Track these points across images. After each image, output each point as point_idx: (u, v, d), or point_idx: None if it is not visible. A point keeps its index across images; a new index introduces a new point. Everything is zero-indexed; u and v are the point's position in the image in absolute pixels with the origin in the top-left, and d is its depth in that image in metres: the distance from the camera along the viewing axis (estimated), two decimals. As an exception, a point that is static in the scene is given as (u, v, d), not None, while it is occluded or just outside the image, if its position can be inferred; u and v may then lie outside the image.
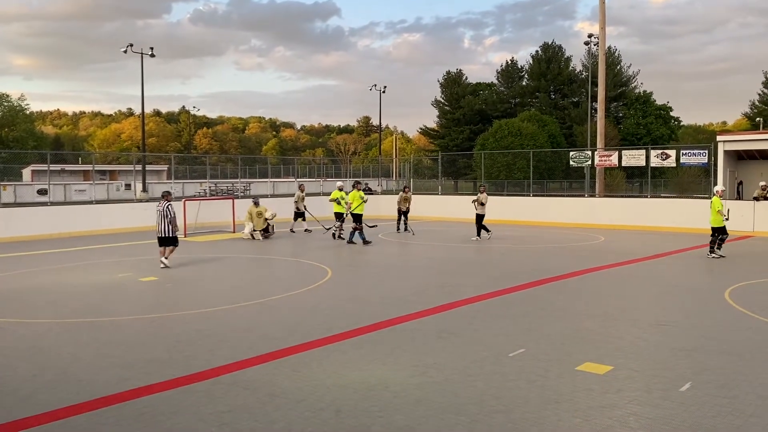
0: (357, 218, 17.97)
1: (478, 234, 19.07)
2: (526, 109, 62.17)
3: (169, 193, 14.18)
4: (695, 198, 25.05)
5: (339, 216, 19.16)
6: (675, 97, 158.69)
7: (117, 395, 5.61)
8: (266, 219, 19.57)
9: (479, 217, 19.16)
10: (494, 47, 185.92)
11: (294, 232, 21.30)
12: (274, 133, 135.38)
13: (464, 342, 7.33)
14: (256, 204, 19.92)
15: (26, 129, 69.03)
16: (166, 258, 13.52)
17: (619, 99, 60.92)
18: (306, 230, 21.48)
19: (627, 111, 58.61)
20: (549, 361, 6.54)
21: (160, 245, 13.63)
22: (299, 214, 21.65)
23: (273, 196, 28.56)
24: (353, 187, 18.91)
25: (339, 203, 19.16)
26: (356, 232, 17.80)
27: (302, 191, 22.20)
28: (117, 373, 6.24)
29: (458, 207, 27.52)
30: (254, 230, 19.43)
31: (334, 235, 19.09)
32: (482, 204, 19.16)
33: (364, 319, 8.51)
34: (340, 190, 19.57)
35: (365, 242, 17.58)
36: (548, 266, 13.43)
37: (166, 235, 13.53)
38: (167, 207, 13.60)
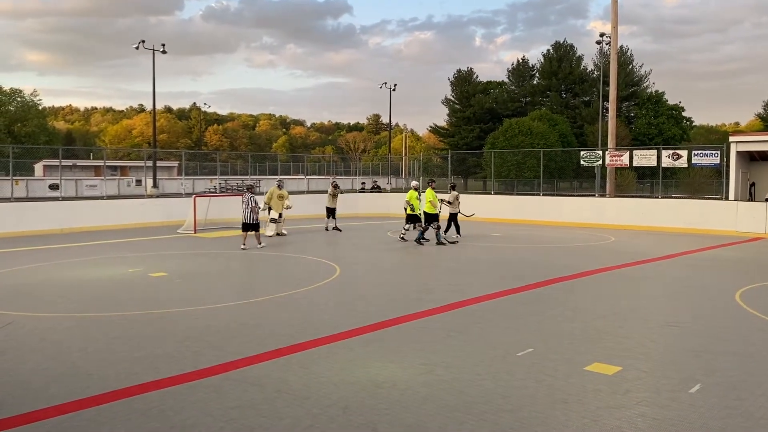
0: (432, 218, 17.46)
1: (458, 232, 18.83)
2: (536, 108, 61.95)
3: (252, 186, 17.13)
4: (707, 199, 24.89)
5: (414, 218, 17.88)
6: (687, 97, 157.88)
7: (126, 389, 5.64)
8: (286, 206, 19.42)
9: (453, 216, 19.13)
10: (506, 46, 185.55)
11: (340, 230, 21.12)
12: (284, 130, 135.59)
13: (472, 341, 7.32)
14: (280, 187, 19.68)
15: (38, 124, 69.40)
16: (244, 243, 16.16)
17: (630, 99, 60.61)
18: (335, 228, 21.16)
19: (638, 111, 58.32)
20: (557, 360, 6.51)
21: (243, 230, 16.24)
22: (331, 211, 21.37)
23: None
24: (427, 185, 18.10)
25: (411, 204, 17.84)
26: (426, 231, 17.43)
27: (335, 188, 21.60)
28: (126, 368, 6.28)
29: (467, 206, 27.45)
30: (272, 219, 19.29)
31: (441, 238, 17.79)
32: (450, 203, 19.11)
33: (372, 316, 8.51)
34: (416, 189, 18.18)
35: (439, 242, 17.22)
36: (557, 266, 13.38)
37: (250, 222, 16.11)
38: (251, 198, 16.24)
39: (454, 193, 19.59)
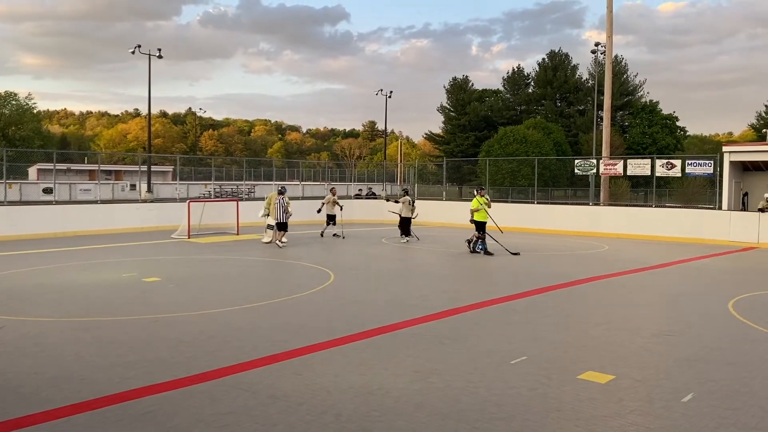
0: (480, 226, 16.80)
1: (407, 235, 20.12)
2: (531, 117, 62.17)
3: (284, 189, 18.68)
4: (700, 208, 25.01)
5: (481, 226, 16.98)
6: (681, 107, 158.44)
7: (119, 395, 5.62)
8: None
9: (405, 220, 20.18)
10: (501, 54, 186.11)
11: (323, 236, 21.12)
12: (280, 136, 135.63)
13: (466, 348, 7.32)
14: (281, 193, 19.28)
15: (33, 128, 69.30)
16: (280, 241, 18.09)
17: (625, 108, 60.90)
18: (334, 235, 21.16)
19: (633, 120, 58.57)
20: (551, 369, 6.53)
21: (279, 230, 18.16)
22: (331, 218, 21.37)
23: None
24: (476, 192, 17.42)
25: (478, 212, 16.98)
26: (479, 241, 16.85)
27: (333, 194, 21.76)
28: (119, 373, 6.25)
29: (462, 213, 27.49)
30: (269, 226, 19.13)
31: (477, 248, 17.02)
32: (404, 207, 20.18)
33: (366, 323, 8.51)
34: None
35: (486, 252, 16.63)
36: (552, 274, 13.40)
37: (283, 221, 18.07)
38: (283, 200, 18.05)
39: (407, 198, 20.49)
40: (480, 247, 16.87)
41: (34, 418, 5.07)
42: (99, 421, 5.06)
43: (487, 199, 17.20)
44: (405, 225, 20.26)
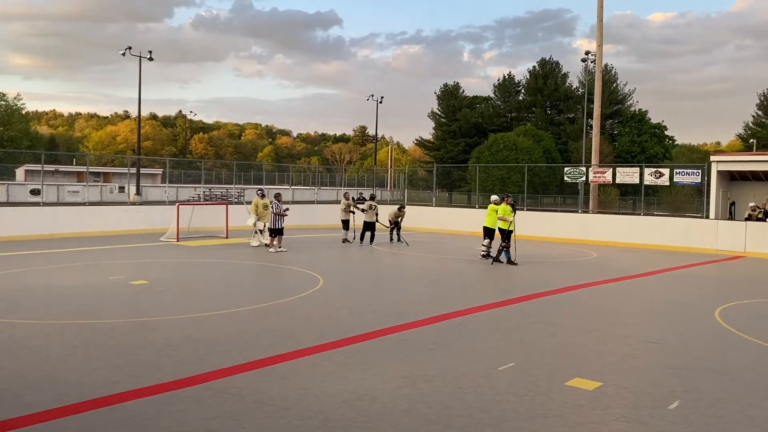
0: (506, 235, 16.21)
1: (361, 240, 20.60)
2: (521, 124, 62.50)
3: (279, 195, 18.59)
4: (688, 217, 25.20)
5: (502, 233, 16.31)
6: (670, 117, 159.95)
7: (104, 398, 5.58)
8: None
9: (368, 225, 20.51)
10: (493, 61, 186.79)
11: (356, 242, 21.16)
12: (270, 140, 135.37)
13: (454, 354, 7.33)
14: (262, 196, 19.59)
15: (21, 129, 68.84)
16: (279, 246, 17.81)
17: (614, 116, 61.32)
18: (344, 240, 21.28)
19: (622, 128, 59.00)
20: (538, 375, 6.54)
21: (271, 235, 17.99)
22: (345, 223, 21.50)
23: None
24: (502, 200, 16.76)
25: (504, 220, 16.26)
26: (504, 250, 16.25)
27: (347, 199, 21.82)
28: (105, 376, 6.21)
29: (452, 219, 27.60)
30: (259, 230, 19.17)
31: (491, 256, 16.65)
32: (364, 211, 20.69)
33: (354, 328, 8.50)
34: (510, 204, 16.63)
35: (509, 261, 16.16)
36: (540, 281, 13.44)
37: (278, 227, 17.84)
38: (277, 205, 17.89)
39: (370, 202, 20.88)
40: (505, 256, 16.35)
41: (19, 422, 5.02)
42: (84, 425, 5.02)
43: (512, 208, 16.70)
44: (366, 229, 20.46)
